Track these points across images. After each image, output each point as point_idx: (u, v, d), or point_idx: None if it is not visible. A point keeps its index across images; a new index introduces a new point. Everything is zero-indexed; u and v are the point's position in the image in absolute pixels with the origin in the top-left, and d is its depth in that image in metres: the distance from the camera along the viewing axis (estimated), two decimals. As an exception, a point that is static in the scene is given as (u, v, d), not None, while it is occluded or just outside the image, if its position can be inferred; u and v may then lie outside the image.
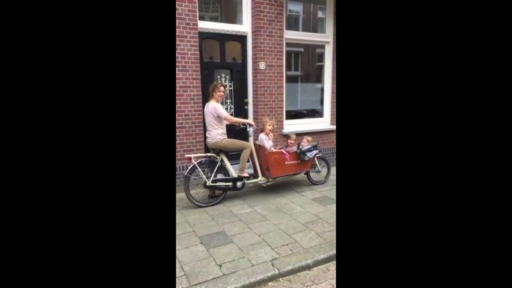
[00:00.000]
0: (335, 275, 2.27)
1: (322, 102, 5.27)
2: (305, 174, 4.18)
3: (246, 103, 4.54)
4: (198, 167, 3.42)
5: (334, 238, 2.69)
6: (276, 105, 4.51)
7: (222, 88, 3.48)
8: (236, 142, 3.60)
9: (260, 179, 3.80)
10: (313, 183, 4.21)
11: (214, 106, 3.40)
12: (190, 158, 3.41)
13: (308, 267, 2.35)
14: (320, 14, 5.06)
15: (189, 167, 3.42)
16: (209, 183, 3.47)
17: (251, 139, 3.71)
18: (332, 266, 2.39)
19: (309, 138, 4.19)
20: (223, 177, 3.61)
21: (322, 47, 5.06)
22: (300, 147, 3.94)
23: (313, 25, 5.07)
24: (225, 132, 3.55)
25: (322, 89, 5.26)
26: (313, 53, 5.15)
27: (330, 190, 4.00)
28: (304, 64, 5.25)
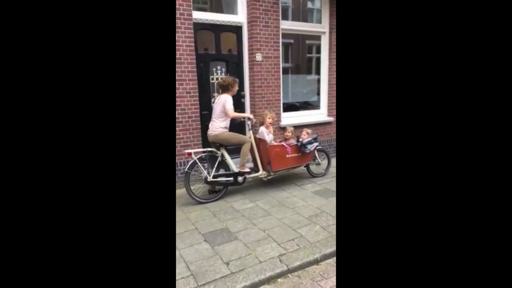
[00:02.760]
0: (343, 269, 2.24)
1: (318, 94, 5.21)
2: (304, 167, 4.14)
3: (243, 96, 4.44)
4: (198, 163, 3.35)
5: (340, 231, 2.66)
6: (274, 97, 4.43)
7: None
8: (237, 136, 3.53)
9: (261, 173, 3.73)
10: (313, 175, 4.18)
11: (226, 99, 3.37)
12: (190, 154, 3.32)
13: (316, 261, 2.32)
14: (309, 5, 4.93)
15: (189, 163, 3.33)
16: (210, 178, 3.40)
17: (250, 132, 3.64)
18: (339, 260, 2.37)
19: (309, 131, 4.16)
20: (224, 172, 3.53)
21: (315, 38, 4.97)
22: (301, 139, 3.90)
23: (303, 16, 4.96)
24: (228, 126, 3.49)
25: (317, 81, 5.21)
26: (303, 44, 5.05)
27: (330, 182, 3.97)
28: (294, 56, 5.15)
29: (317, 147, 4.03)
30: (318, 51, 5.08)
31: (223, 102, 3.36)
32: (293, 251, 2.38)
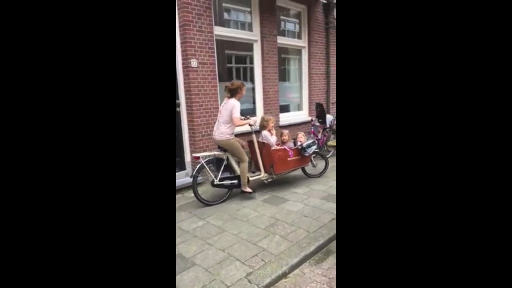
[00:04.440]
0: (312, 278, 2.18)
1: (254, 102, 5.20)
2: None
3: (178, 105, 4.10)
4: (206, 166, 3.40)
5: (300, 239, 2.61)
6: (212, 105, 4.21)
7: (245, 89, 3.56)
8: (240, 150, 3.52)
9: (263, 175, 3.78)
10: (309, 176, 4.35)
11: (234, 105, 3.34)
12: (198, 158, 3.40)
13: (284, 274, 2.20)
14: (226, 16, 4.77)
15: (197, 167, 3.38)
16: (216, 181, 3.47)
17: (253, 135, 3.71)
18: (306, 269, 2.30)
19: (303, 134, 4.39)
20: (229, 175, 3.60)
21: (245, 46, 4.92)
22: (299, 143, 4.05)
23: (220, 25, 4.80)
24: (234, 132, 3.51)
25: (252, 89, 5.18)
26: (223, 53, 4.86)
27: (276, 188, 3.95)
28: (220, 64, 4.91)
29: (315, 150, 4.16)
30: (247, 60, 5.05)
31: (231, 108, 3.33)
32: (259, 268, 2.21)
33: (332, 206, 3.29)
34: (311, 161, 4.33)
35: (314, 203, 3.41)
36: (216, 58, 4.24)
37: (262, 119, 4.03)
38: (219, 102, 4.33)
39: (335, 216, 3.02)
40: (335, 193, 3.69)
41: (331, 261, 2.38)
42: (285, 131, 4.23)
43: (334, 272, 2.23)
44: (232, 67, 4.98)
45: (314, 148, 4.09)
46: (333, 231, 2.72)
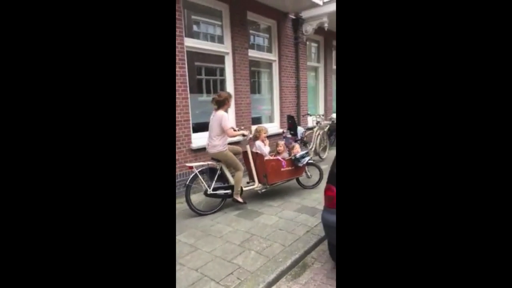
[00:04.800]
0: (290, 294, 2.12)
1: (225, 114, 5.14)
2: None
3: (147, 117, 3.94)
4: (199, 176, 3.41)
5: (276, 253, 2.56)
6: (182, 118, 4.10)
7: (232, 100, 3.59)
8: (235, 160, 3.57)
9: (257, 185, 3.82)
10: (304, 187, 4.33)
11: (222, 117, 3.35)
12: (191, 167, 3.42)
13: (261, 293, 2.12)
14: (196, 28, 4.74)
15: (191, 176, 3.40)
16: (210, 191, 3.48)
17: (248, 146, 3.77)
18: (283, 285, 2.24)
19: (298, 145, 4.42)
20: (222, 185, 3.62)
21: (212, 59, 4.88)
22: (293, 153, 4.02)
23: (190, 36, 4.72)
24: (226, 143, 3.52)
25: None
26: (193, 65, 4.79)
27: (250, 202, 3.88)
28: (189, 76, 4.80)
29: (308, 161, 4.11)
30: (217, 72, 5.01)
31: (220, 120, 3.34)
32: (235, 287, 2.11)
33: (306, 218, 3.28)
34: (306, 172, 4.33)
35: (288, 215, 3.39)
36: (187, 70, 4.16)
37: (255, 129, 4.07)
38: (190, 115, 4.23)
39: (309, 228, 3.01)
40: (308, 205, 3.71)
41: (308, 275, 2.34)
42: (281, 142, 4.25)
43: (312, 286, 2.19)
44: (202, 79, 4.91)
45: (307, 159, 4.09)
46: (308, 244, 2.70)
